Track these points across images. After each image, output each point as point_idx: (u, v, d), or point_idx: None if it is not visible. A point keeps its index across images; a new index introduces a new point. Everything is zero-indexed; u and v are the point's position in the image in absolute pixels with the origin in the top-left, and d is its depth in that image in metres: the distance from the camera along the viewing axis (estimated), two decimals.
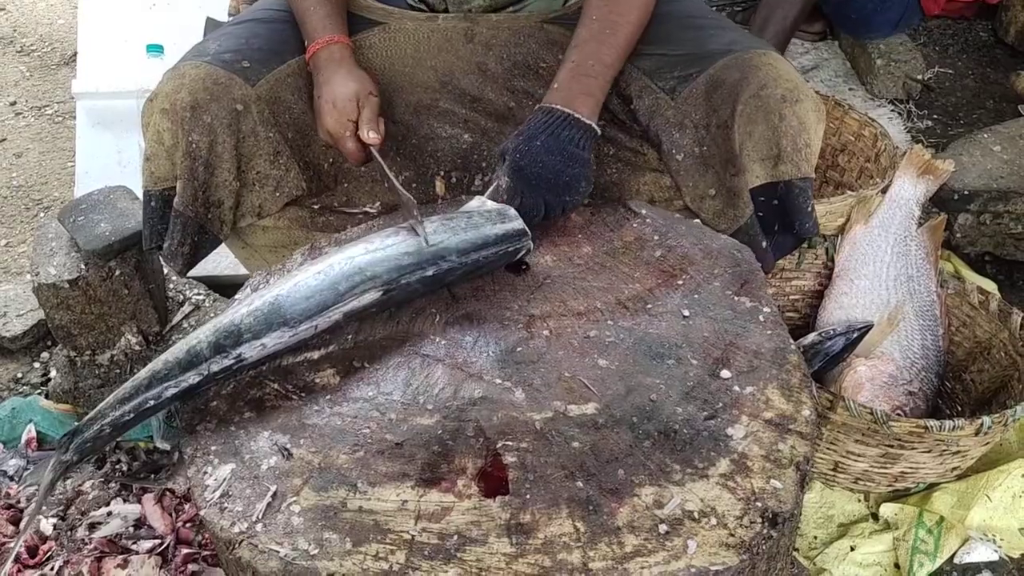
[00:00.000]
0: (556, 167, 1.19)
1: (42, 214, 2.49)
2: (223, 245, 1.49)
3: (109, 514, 1.50)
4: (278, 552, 0.85)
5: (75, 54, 2.77)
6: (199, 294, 1.86)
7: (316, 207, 1.44)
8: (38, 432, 1.70)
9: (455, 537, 0.86)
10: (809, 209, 1.35)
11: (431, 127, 1.45)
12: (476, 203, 1.18)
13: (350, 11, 1.44)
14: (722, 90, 1.32)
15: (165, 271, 1.84)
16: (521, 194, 1.19)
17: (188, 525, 1.49)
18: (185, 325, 1.80)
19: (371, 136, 1.29)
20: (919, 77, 2.69)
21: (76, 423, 1.68)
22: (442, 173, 1.45)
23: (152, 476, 1.63)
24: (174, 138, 1.31)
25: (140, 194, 1.44)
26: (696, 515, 0.87)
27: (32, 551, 1.44)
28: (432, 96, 1.45)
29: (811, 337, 1.68)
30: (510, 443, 0.94)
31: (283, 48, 1.38)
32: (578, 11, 1.44)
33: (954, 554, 1.53)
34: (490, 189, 1.22)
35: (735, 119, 1.31)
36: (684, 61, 1.37)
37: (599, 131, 1.25)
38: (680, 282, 1.15)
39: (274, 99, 1.36)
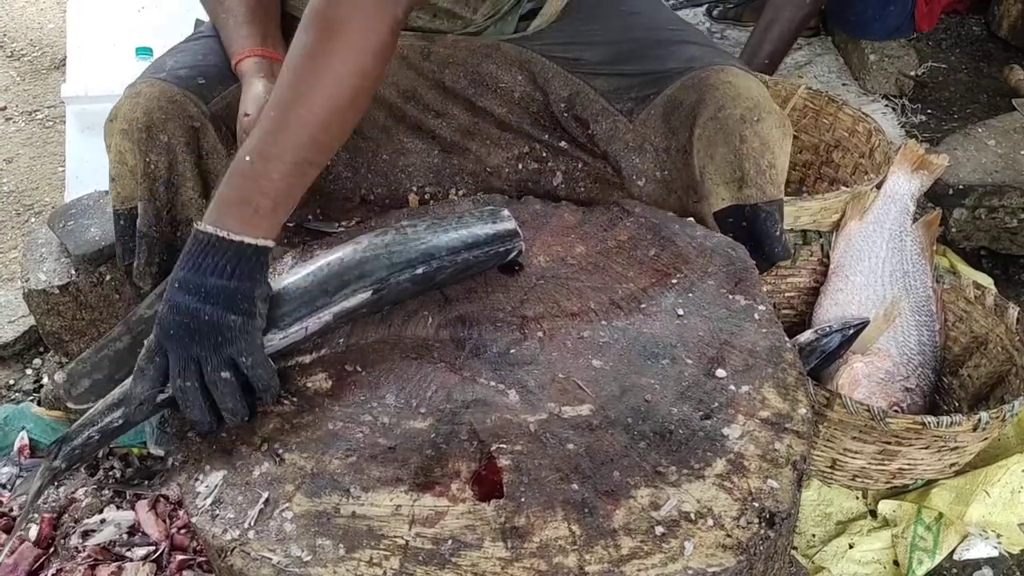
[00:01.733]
0: (191, 308, 0.94)
1: (33, 219, 2.47)
2: None
3: (102, 521, 1.49)
4: (271, 559, 0.84)
5: (65, 58, 2.75)
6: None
7: (291, 225, 1.43)
8: (30, 439, 1.68)
9: (450, 542, 0.85)
10: (778, 233, 1.30)
11: (400, 142, 1.43)
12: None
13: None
14: (680, 113, 1.29)
15: None
16: (164, 349, 0.96)
17: (182, 531, 1.48)
18: None
19: None
20: (912, 73, 2.69)
21: (67, 430, 1.67)
22: (415, 189, 1.43)
23: (146, 482, 1.62)
24: (135, 158, 1.30)
25: None
26: (693, 516, 0.86)
27: None
28: (398, 112, 1.42)
29: (807, 334, 1.67)
30: (504, 446, 0.93)
31: None
32: (538, 32, 1.41)
33: (953, 551, 1.52)
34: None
35: (693, 143, 1.27)
36: (641, 81, 1.33)
37: (263, 243, 0.98)
38: (674, 281, 1.14)
39: (231, 116, 1.34)
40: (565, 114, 1.38)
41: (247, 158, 0.99)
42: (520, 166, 1.43)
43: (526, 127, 1.41)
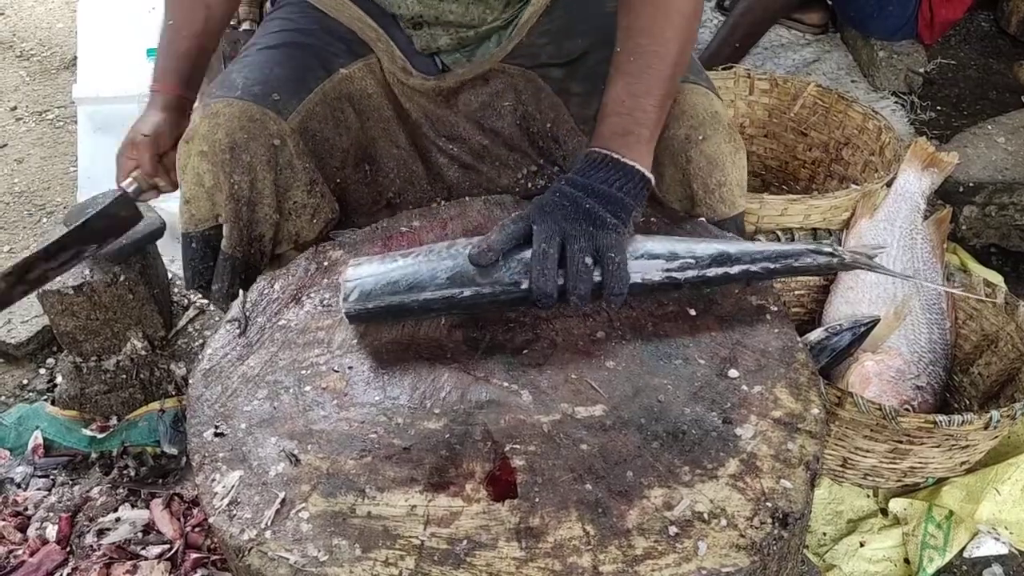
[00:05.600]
0: (574, 196, 1.04)
1: (44, 219, 2.48)
2: None
3: (117, 520, 1.50)
4: (288, 559, 0.85)
5: (75, 58, 2.76)
6: (204, 298, 1.86)
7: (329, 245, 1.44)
8: (45, 439, 1.70)
9: (464, 542, 0.85)
10: None
11: (417, 161, 1.45)
12: None
13: (342, 22, 1.41)
14: None
15: (169, 275, 1.83)
16: (531, 220, 1.03)
17: (197, 530, 1.49)
18: (190, 329, 1.80)
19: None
20: (921, 70, 2.69)
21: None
22: (439, 199, 1.44)
23: (160, 481, 1.63)
24: (215, 179, 1.28)
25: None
26: (706, 516, 0.87)
27: None
28: (415, 131, 1.44)
29: (817, 333, 1.67)
30: (518, 446, 0.94)
31: (307, 75, 1.35)
32: (531, 40, 1.40)
33: (964, 548, 1.52)
34: (360, 276, 1.07)
35: None
36: (600, 99, 1.28)
37: (647, 174, 1.08)
38: None
39: (305, 130, 1.34)
40: (548, 135, 1.40)
41: (620, 98, 1.12)
42: (529, 185, 1.43)
43: (525, 147, 1.43)
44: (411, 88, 1.42)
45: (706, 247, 1.08)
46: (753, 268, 1.08)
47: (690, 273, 1.06)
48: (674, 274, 1.06)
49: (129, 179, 1.39)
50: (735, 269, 1.07)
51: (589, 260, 1.00)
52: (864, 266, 1.11)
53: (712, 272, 1.07)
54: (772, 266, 1.08)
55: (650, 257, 1.06)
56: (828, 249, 1.10)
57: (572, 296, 0.99)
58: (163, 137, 1.38)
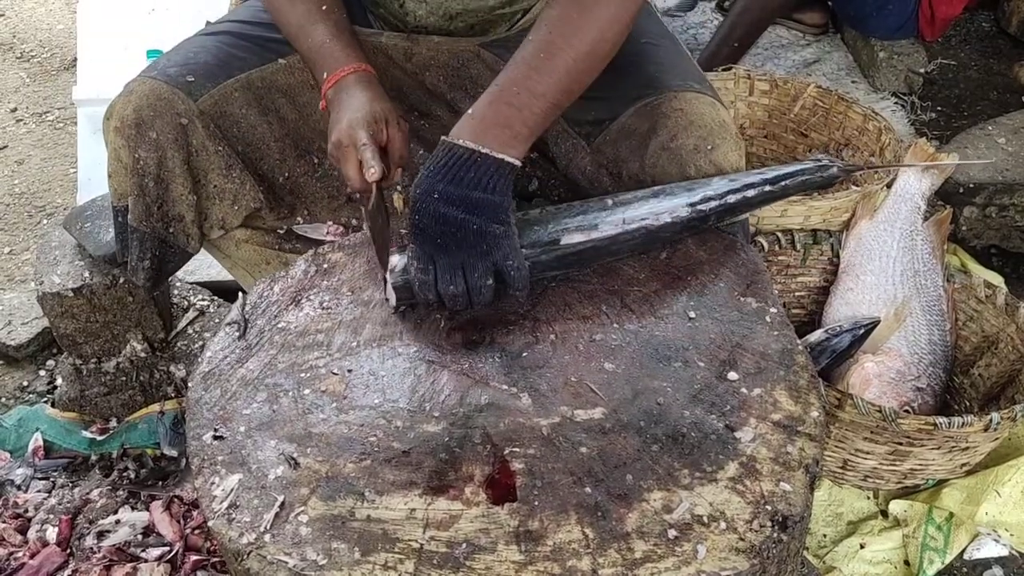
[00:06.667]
0: (458, 219, 1.04)
1: (45, 221, 2.48)
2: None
3: (117, 522, 1.50)
4: (287, 563, 0.85)
5: (75, 59, 2.77)
6: (203, 300, 1.86)
7: (282, 232, 1.45)
8: (45, 441, 1.70)
9: (464, 545, 0.85)
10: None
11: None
12: None
13: None
14: (632, 140, 1.27)
15: (169, 278, 1.83)
16: (433, 259, 1.06)
17: (196, 532, 1.49)
18: (190, 331, 1.80)
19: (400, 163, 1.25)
20: (921, 70, 2.68)
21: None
22: (399, 188, 1.43)
23: (160, 483, 1.63)
24: (127, 154, 1.32)
25: None
26: (705, 519, 0.86)
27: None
28: None
29: (817, 334, 1.67)
30: (517, 449, 0.94)
31: (230, 61, 1.37)
32: (519, 35, 1.36)
33: (964, 550, 1.52)
34: (404, 257, 1.10)
35: (646, 171, 1.26)
36: (599, 104, 1.30)
37: (517, 163, 1.07)
38: (686, 284, 1.14)
39: (219, 114, 1.35)
40: None
41: (515, 89, 1.09)
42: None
43: None
44: (384, 55, 1.40)
45: (720, 180, 1.19)
46: (768, 188, 1.19)
47: (713, 204, 1.16)
48: (699, 207, 1.16)
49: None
50: (752, 192, 1.18)
51: (490, 281, 1.06)
52: (855, 169, 1.28)
53: (733, 199, 1.17)
54: (785, 183, 1.20)
55: (672, 196, 1.16)
56: (825, 162, 1.24)
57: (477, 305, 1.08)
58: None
